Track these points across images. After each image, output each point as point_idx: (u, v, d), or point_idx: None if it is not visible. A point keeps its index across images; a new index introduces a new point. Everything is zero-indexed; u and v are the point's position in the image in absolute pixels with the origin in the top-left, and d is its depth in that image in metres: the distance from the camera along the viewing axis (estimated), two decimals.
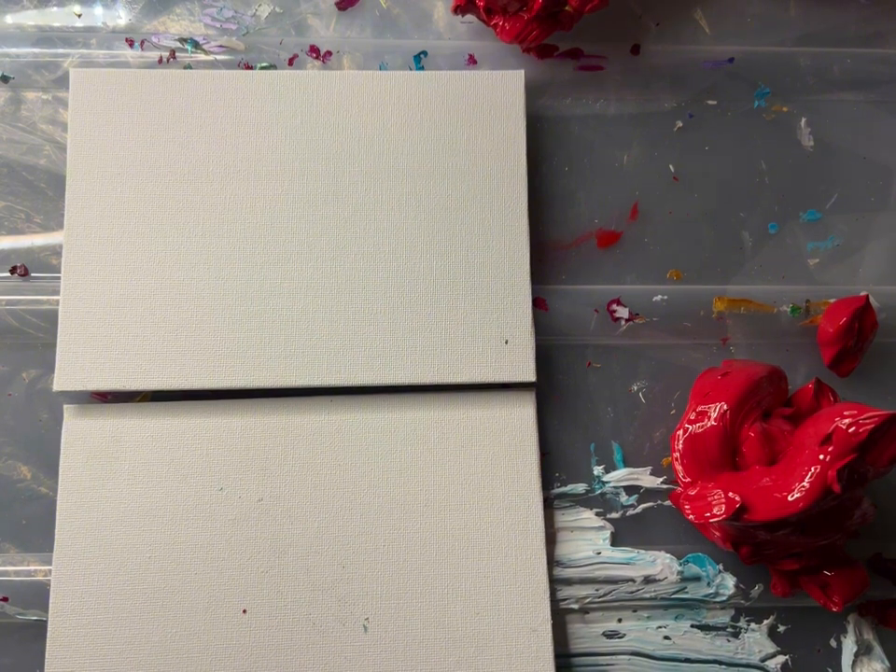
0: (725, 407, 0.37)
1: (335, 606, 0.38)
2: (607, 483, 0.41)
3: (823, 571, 0.38)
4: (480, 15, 0.42)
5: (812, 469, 0.35)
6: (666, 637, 0.40)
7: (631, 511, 0.41)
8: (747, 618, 0.40)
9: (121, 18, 0.43)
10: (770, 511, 0.35)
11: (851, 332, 0.41)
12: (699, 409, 0.38)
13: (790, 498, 0.35)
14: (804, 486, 0.34)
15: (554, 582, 0.40)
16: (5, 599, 0.39)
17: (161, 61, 0.42)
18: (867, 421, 0.34)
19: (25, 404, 0.40)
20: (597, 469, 0.41)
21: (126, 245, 0.39)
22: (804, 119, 0.44)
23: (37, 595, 0.39)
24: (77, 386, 0.38)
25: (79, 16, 0.43)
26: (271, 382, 0.39)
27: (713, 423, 0.37)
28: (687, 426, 0.38)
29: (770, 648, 0.40)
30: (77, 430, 0.39)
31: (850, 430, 0.34)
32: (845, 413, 0.35)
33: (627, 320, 0.42)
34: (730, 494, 0.36)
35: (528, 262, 0.40)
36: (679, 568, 0.40)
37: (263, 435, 0.39)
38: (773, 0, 0.45)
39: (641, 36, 0.44)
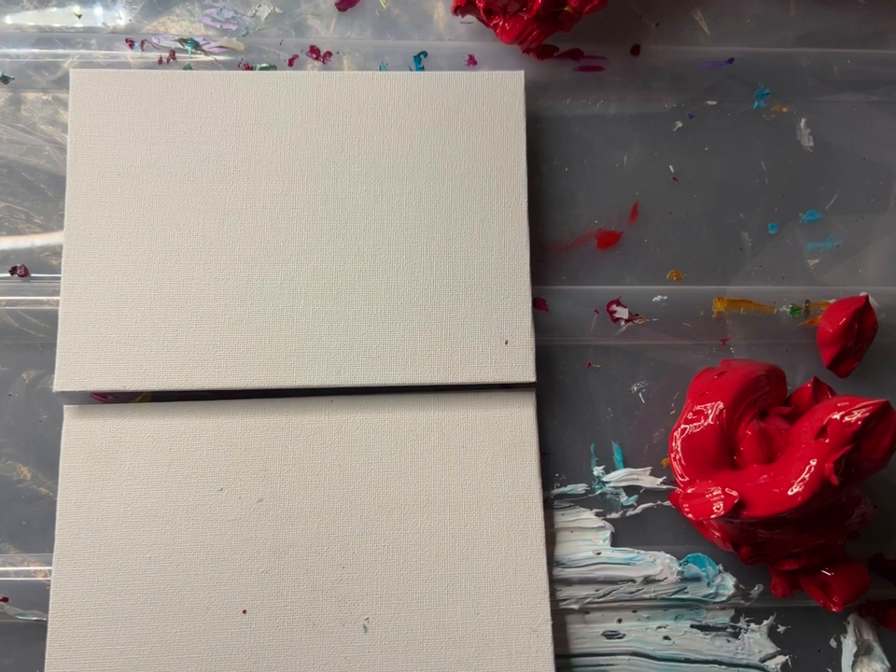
0: (722, 406, 0.37)
1: (335, 606, 0.38)
2: (607, 483, 0.41)
3: (823, 571, 0.38)
4: (480, 15, 0.42)
5: (809, 462, 0.35)
6: (666, 638, 0.40)
7: (631, 512, 0.41)
8: (747, 618, 0.40)
9: (121, 18, 0.43)
10: (769, 507, 0.35)
11: (851, 333, 0.41)
12: (696, 408, 0.38)
13: (788, 493, 0.35)
14: (802, 480, 0.35)
15: (554, 582, 0.40)
16: (5, 599, 0.39)
17: (160, 61, 0.42)
18: (860, 411, 0.35)
19: (25, 404, 0.40)
20: (597, 470, 0.41)
21: (126, 245, 0.39)
22: (803, 120, 0.44)
23: (37, 594, 0.39)
24: (77, 387, 0.38)
25: (79, 16, 0.43)
26: (271, 382, 0.39)
27: (710, 422, 0.38)
28: (684, 425, 0.38)
29: (770, 648, 0.40)
30: (77, 430, 0.39)
31: (844, 421, 0.35)
32: (838, 404, 0.35)
33: (627, 321, 0.42)
34: (727, 490, 0.36)
35: (528, 263, 0.40)
36: (679, 569, 0.40)
37: (263, 435, 0.39)
38: (773, 0, 0.45)
39: (641, 37, 0.44)
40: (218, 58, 0.43)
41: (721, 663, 0.40)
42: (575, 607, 0.40)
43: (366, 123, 0.41)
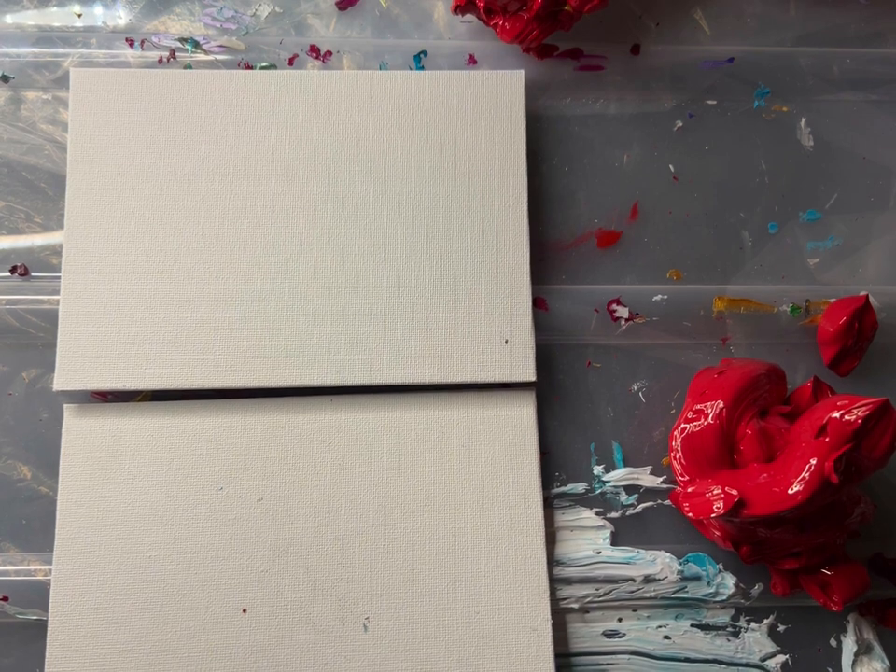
0: (722, 405, 0.37)
1: (335, 605, 0.38)
2: (607, 482, 0.41)
3: (823, 571, 0.38)
4: (480, 15, 0.42)
5: (809, 461, 0.35)
6: (666, 637, 0.40)
7: (631, 511, 0.41)
8: (747, 617, 0.40)
9: (121, 18, 0.43)
10: (769, 506, 0.35)
11: (851, 332, 0.41)
12: (696, 407, 0.38)
13: (789, 492, 0.35)
14: (802, 479, 0.35)
15: (554, 582, 0.40)
16: (5, 599, 0.39)
17: (161, 61, 0.42)
18: (860, 409, 0.35)
19: (25, 404, 0.40)
20: (597, 469, 0.41)
21: (126, 245, 0.39)
22: (804, 119, 0.44)
23: (37, 594, 0.39)
24: (77, 386, 0.38)
25: (79, 16, 0.43)
26: (271, 382, 0.39)
27: (710, 421, 0.38)
28: (684, 424, 0.38)
29: (770, 647, 0.40)
30: (77, 430, 0.39)
31: (844, 420, 0.35)
32: (838, 403, 0.35)
33: (627, 320, 0.42)
34: (727, 489, 0.36)
35: (528, 262, 0.40)
36: (679, 568, 0.40)
37: (263, 435, 0.39)
38: (773, 0, 0.45)
39: (641, 36, 0.44)
40: (218, 57, 0.43)
41: (721, 662, 0.40)
42: (575, 606, 0.40)
43: (366, 123, 0.41)
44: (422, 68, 0.43)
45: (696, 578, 0.40)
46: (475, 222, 0.40)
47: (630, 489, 0.41)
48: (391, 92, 0.41)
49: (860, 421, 0.35)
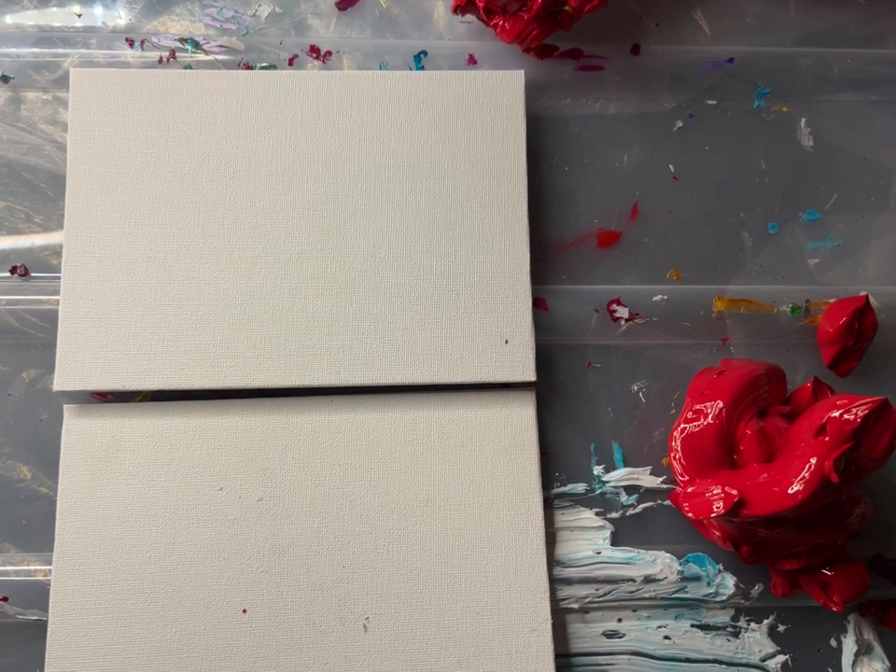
0: (721, 405, 0.37)
1: (335, 606, 0.38)
2: (607, 482, 0.41)
3: (823, 571, 0.38)
4: (480, 15, 0.42)
5: (809, 461, 0.35)
6: (666, 637, 0.40)
7: (631, 511, 0.41)
8: (747, 618, 0.40)
9: (121, 18, 0.43)
10: (769, 506, 0.35)
11: (851, 332, 0.41)
12: (696, 407, 0.38)
13: (789, 491, 0.35)
14: (802, 478, 0.35)
15: (554, 582, 0.40)
16: (5, 599, 0.39)
17: (161, 61, 0.42)
18: (859, 408, 0.35)
19: (25, 404, 0.40)
20: (597, 469, 0.41)
21: (126, 245, 0.39)
22: (804, 119, 0.44)
23: (37, 594, 0.39)
24: (77, 386, 0.38)
25: (79, 16, 0.43)
26: (271, 382, 0.39)
27: (710, 421, 0.38)
28: (684, 425, 0.38)
29: (770, 647, 0.40)
30: (77, 430, 0.39)
31: (844, 419, 0.35)
32: (837, 402, 0.35)
33: (627, 320, 0.42)
34: (727, 488, 0.36)
35: (528, 262, 0.40)
36: (679, 568, 0.40)
37: (263, 435, 0.39)
38: (773, 0, 0.45)
39: (641, 36, 0.44)
40: (218, 57, 0.43)
41: (721, 662, 0.40)
42: (575, 606, 0.40)
43: (366, 123, 0.41)
44: (422, 68, 0.43)
45: (696, 578, 0.40)
46: (475, 222, 0.40)
47: (630, 489, 0.41)
48: (391, 92, 0.41)
49: (859, 420, 0.35)
